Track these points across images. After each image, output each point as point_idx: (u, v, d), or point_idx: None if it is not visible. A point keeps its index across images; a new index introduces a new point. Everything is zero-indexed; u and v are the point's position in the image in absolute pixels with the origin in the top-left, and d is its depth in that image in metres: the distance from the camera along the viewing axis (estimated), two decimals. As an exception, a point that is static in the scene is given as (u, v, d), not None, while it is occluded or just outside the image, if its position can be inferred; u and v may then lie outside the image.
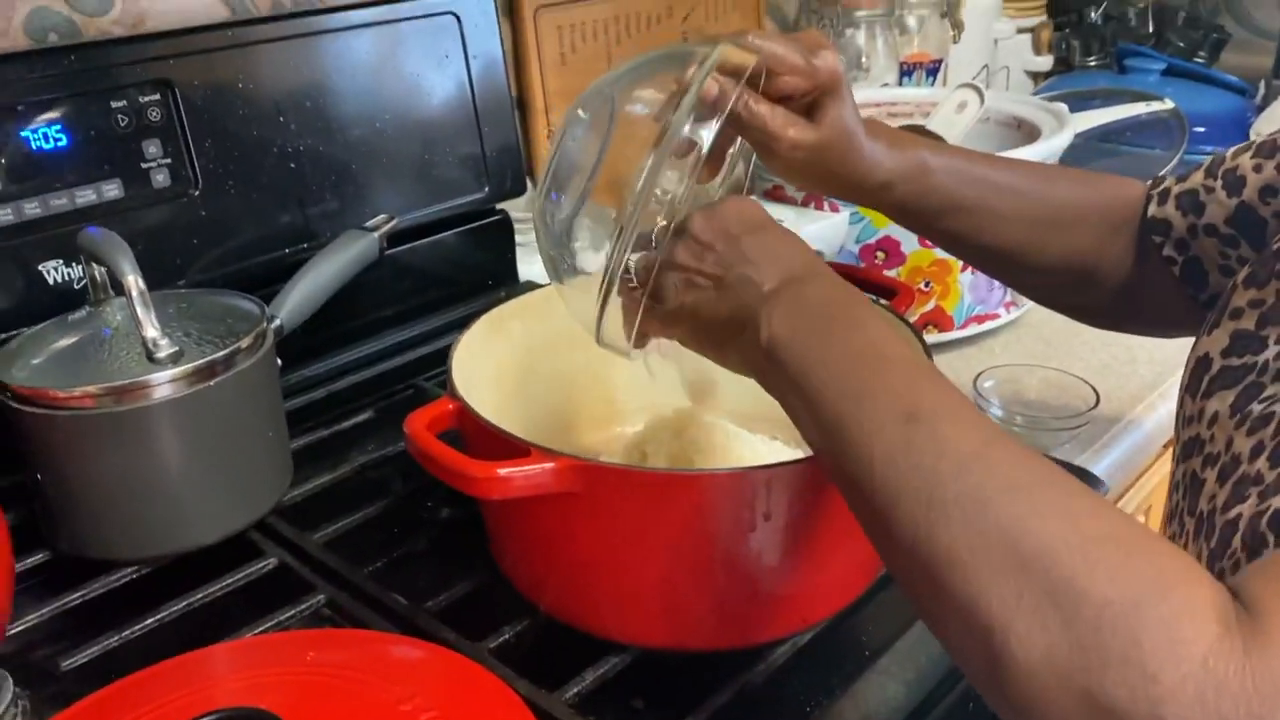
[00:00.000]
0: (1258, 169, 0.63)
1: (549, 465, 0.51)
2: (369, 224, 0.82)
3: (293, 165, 0.85)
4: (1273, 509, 0.44)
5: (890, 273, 0.96)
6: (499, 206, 1.03)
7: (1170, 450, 1.01)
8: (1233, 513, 0.47)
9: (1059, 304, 0.78)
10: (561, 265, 0.58)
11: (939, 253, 0.95)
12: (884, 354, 0.47)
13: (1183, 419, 0.58)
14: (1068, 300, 0.77)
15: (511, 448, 0.53)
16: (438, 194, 0.96)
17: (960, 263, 0.96)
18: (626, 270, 0.54)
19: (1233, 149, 0.66)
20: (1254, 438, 0.50)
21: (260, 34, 0.83)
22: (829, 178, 0.65)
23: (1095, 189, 0.73)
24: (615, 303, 0.54)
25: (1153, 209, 0.69)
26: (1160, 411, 0.91)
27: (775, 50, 0.59)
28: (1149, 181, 0.72)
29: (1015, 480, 0.40)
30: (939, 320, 0.98)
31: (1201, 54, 1.63)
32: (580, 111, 0.59)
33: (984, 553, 0.39)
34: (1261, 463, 0.48)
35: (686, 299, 0.53)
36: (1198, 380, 0.57)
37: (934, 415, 0.43)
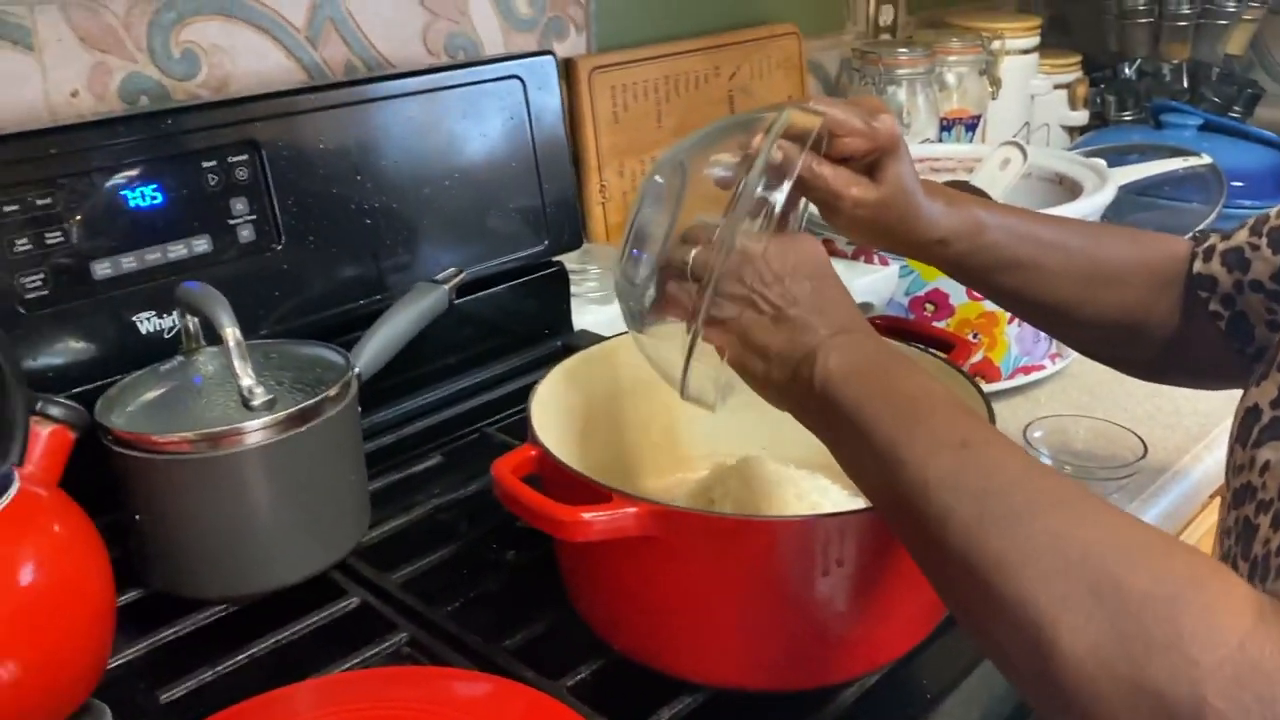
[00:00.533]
0: None
1: (630, 510, 0.54)
2: (439, 277, 0.86)
3: (368, 221, 0.89)
4: None
5: (939, 324, 0.98)
6: (556, 259, 1.07)
7: (1215, 500, 1.03)
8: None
9: (1107, 357, 0.81)
10: (644, 320, 0.61)
11: (987, 305, 0.98)
12: (934, 394, 0.51)
13: (1233, 467, 0.60)
14: (1115, 354, 0.80)
15: (593, 492, 0.56)
16: (500, 247, 1.00)
17: (1007, 315, 0.98)
18: (690, 265, 0.56)
19: (1276, 209, 0.69)
20: None
21: (337, 98, 0.87)
22: (888, 234, 0.68)
23: (1142, 246, 0.76)
24: (699, 358, 0.57)
25: (1198, 265, 0.72)
26: (1206, 462, 0.93)
27: (837, 114, 0.63)
28: (1192, 238, 0.75)
29: (1060, 497, 0.44)
30: (986, 371, 1.00)
31: (1237, 109, 1.66)
32: (657, 178, 0.62)
33: (1033, 556, 0.42)
34: None
35: (742, 317, 0.56)
36: (1247, 430, 0.59)
37: (984, 443, 0.47)
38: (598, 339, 0.99)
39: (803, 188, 0.64)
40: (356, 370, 0.76)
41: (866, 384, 0.51)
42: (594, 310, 1.13)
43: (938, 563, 0.47)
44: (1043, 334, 1.01)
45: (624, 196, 1.28)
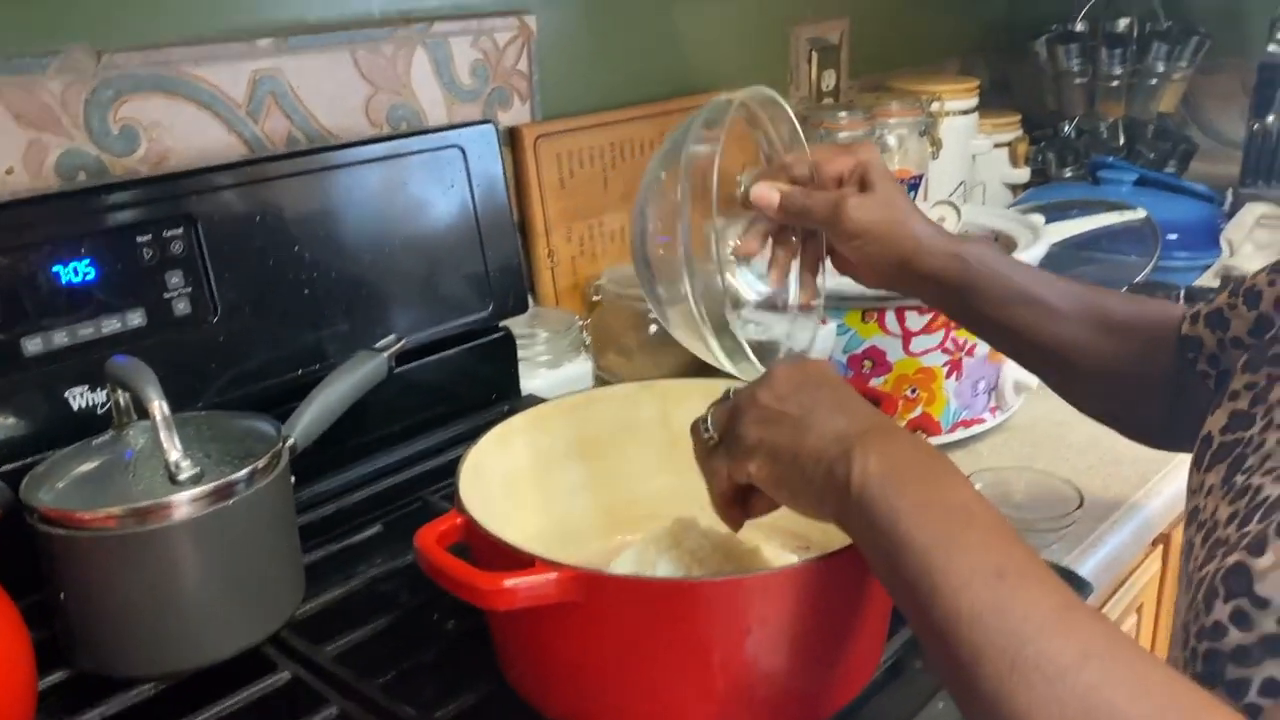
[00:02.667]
0: (1272, 283, 0.67)
1: (552, 576, 0.54)
2: (379, 345, 0.86)
3: (306, 291, 0.90)
4: (1227, 566, 0.49)
5: (877, 380, 1.00)
6: (501, 324, 1.07)
7: (1157, 549, 1.04)
8: (1204, 571, 0.52)
9: (1113, 417, 0.82)
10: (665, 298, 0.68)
11: (924, 360, 0.99)
12: (972, 510, 0.49)
13: (1189, 491, 0.63)
14: (1125, 415, 0.80)
15: (516, 559, 0.56)
16: (443, 314, 1.01)
17: (945, 369, 1.00)
18: (706, 424, 0.60)
19: (1254, 272, 0.70)
20: (1232, 506, 0.54)
21: (276, 170, 0.88)
22: (898, 258, 0.74)
23: (1141, 304, 0.78)
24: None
25: (1186, 328, 0.73)
26: (1145, 511, 0.94)
27: (808, 155, 0.73)
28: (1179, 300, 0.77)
29: (1092, 647, 0.43)
30: (926, 425, 1.01)
31: (1172, 164, 1.71)
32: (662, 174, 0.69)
33: (1060, 718, 0.42)
34: (1232, 528, 0.53)
35: (766, 435, 0.56)
36: (1201, 455, 0.62)
37: (1020, 575, 0.46)
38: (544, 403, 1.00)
39: (804, 217, 0.72)
40: (290, 441, 0.76)
41: (904, 493, 0.50)
42: (543, 374, 1.13)
43: (968, 700, 0.46)
44: (981, 387, 1.03)
45: (572, 260, 1.29)
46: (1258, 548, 0.49)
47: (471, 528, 0.60)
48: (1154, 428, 0.80)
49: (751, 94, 0.74)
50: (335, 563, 0.82)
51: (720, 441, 0.59)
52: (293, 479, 0.75)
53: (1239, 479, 0.56)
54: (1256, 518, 0.52)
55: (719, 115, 0.70)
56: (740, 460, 0.57)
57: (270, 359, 0.88)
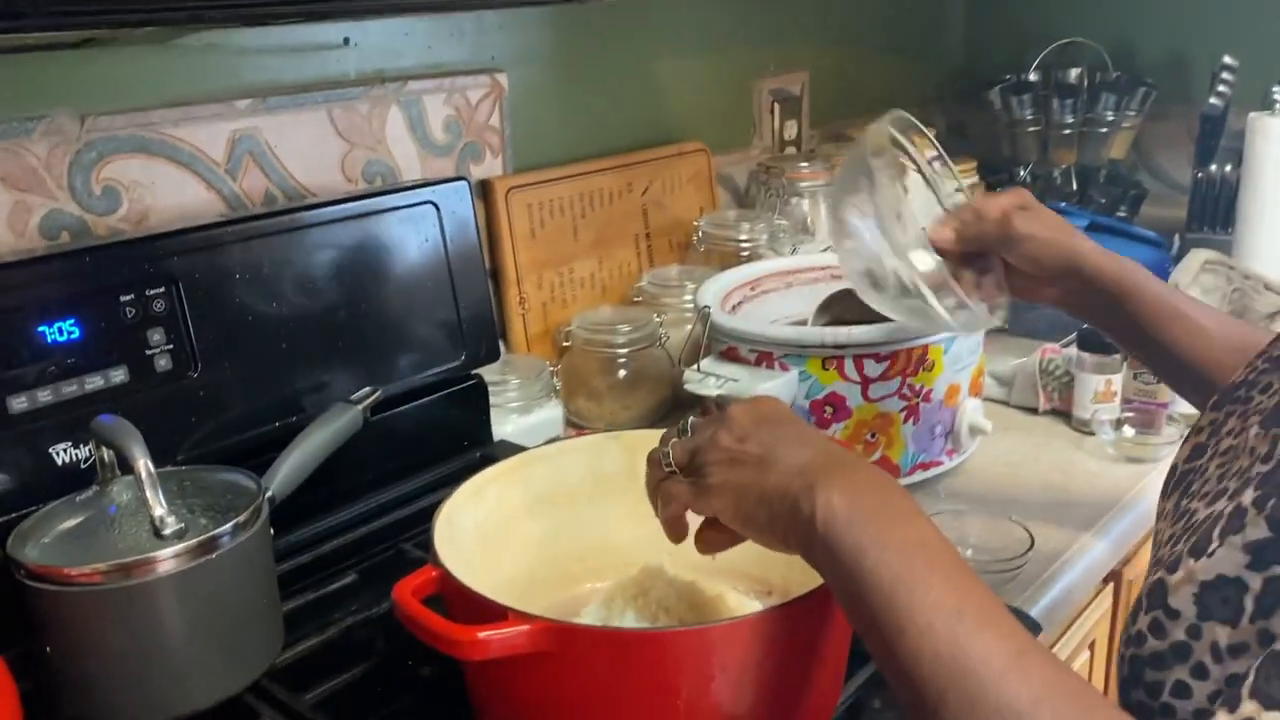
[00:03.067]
0: None
1: (524, 628, 0.57)
2: (354, 397, 0.89)
3: (284, 345, 0.92)
4: (1151, 581, 0.55)
5: (837, 425, 1.03)
6: (474, 372, 1.10)
7: (1107, 587, 1.08)
8: (1144, 586, 0.56)
9: None
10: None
11: (882, 406, 1.03)
12: (933, 548, 0.52)
13: (1157, 518, 0.68)
14: None
15: (490, 611, 0.59)
16: (418, 364, 1.04)
17: (902, 414, 1.04)
18: (666, 457, 0.63)
19: None
20: (1173, 528, 0.60)
21: (255, 229, 0.91)
22: (1065, 263, 0.82)
23: (1262, 331, 0.81)
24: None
25: None
26: (1094, 551, 0.98)
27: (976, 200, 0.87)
28: None
29: (1043, 693, 0.46)
30: (886, 469, 1.05)
31: (1123, 209, 1.77)
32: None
33: None
34: (1167, 548, 0.58)
35: (730, 475, 0.59)
36: (1166, 484, 0.67)
37: (979, 617, 0.49)
38: (518, 449, 1.03)
39: (979, 240, 0.84)
40: (269, 493, 0.78)
41: (867, 529, 0.52)
42: (514, 419, 1.16)
43: None
44: (939, 430, 1.07)
45: (543, 307, 1.33)
46: (1174, 565, 0.54)
47: (446, 580, 0.63)
48: None
49: (894, 119, 0.90)
50: (313, 611, 0.84)
51: (679, 472, 0.62)
52: (271, 530, 0.78)
53: (1184, 503, 0.61)
54: (1185, 538, 0.57)
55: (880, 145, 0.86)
56: (705, 498, 0.60)
57: (249, 412, 0.90)
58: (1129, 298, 0.80)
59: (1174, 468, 0.67)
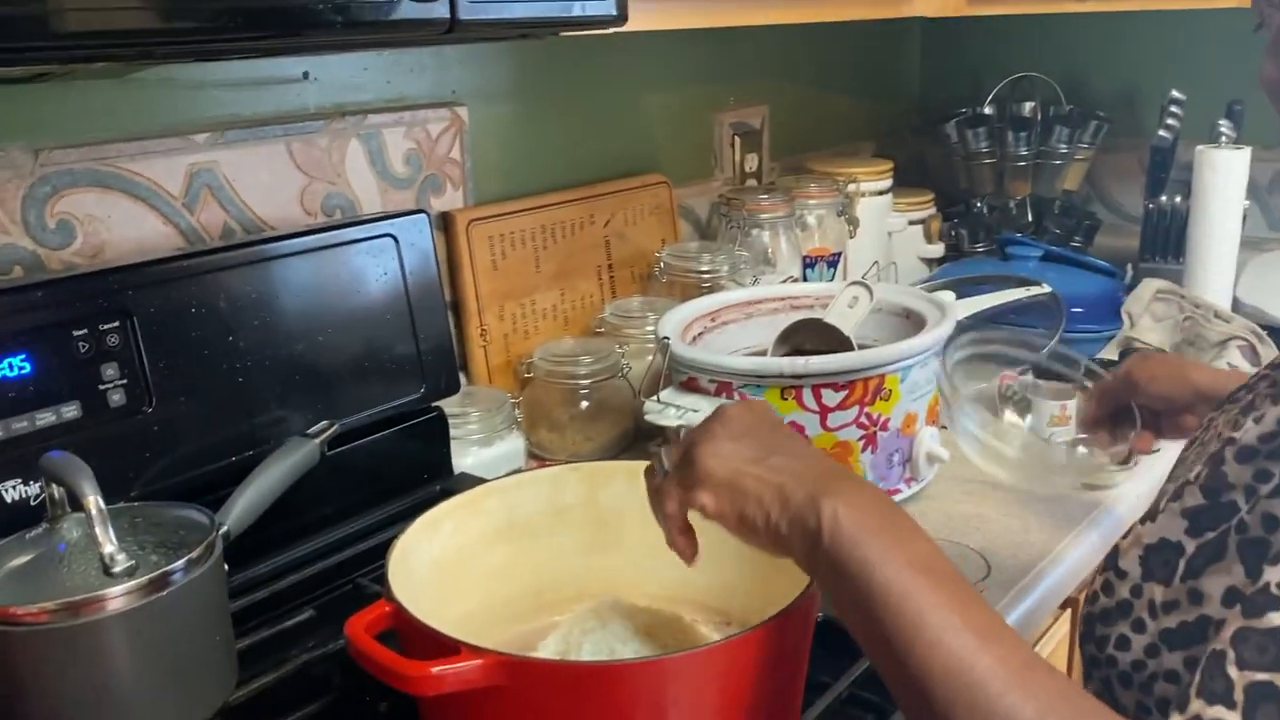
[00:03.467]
0: None
1: (477, 662, 0.57)
2: (311, 430, 0.88)
3: (241, 379, 0.92)
4: (1110, 549, 0.64)
5: (798, 456, 1.04)
6: (434, 404, 1.10)
7: (1066, 612, 1.09)
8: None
9: None
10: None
11: (840, 435, 1.04)
12: (934, 564, 0.53)
13: None
14: None
15: (443, 645, 0.58)
16: (377, 397, 1.03)
17: (861, 443, 1.05)
18: (660, 459, 0.63)
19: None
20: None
21: (212, 263, 0.91)
22: (1183, 386, 0.90)
23: None
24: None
25: None
26: (1051, 577, 0.99)
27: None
28: None
29: (1048, 705, 0.48)
30: (845, 498, 1.06)
31: (1077, 239, 1.80)
32: None
33: None
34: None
35: (725, 473, 0.59)
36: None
37: (984, 632, 0.50)
38: (479, 481, 1.03)
39: (1108, 392, 0.97)
40: (224, 529, 0.78)
41: (872, 544, 0.53)
42: (475, 452, 1.16)
43: None
44: (896, 459, 1.07)
45: (505, 339, 1.33)
46: (1128, 533, 0.61)
47: (399, 615, 0.62)
48: None
49: None
50: (269, 647, 0.83)
51: (672, 473, 0.62)
52: (225, 566, 0.77)
53: (1165, 485, 0.67)
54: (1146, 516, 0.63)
55: None
56: (696, 492, 0.60)
57: (204, 446, 0.90)
58: None
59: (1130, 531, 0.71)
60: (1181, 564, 0.57)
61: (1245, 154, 1.51)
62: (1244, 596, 0.52)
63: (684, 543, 0.65)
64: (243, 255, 0.93)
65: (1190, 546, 0.57)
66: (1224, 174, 1.51)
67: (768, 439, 0.60)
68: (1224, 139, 1.52)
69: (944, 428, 1.11)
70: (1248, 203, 1.55)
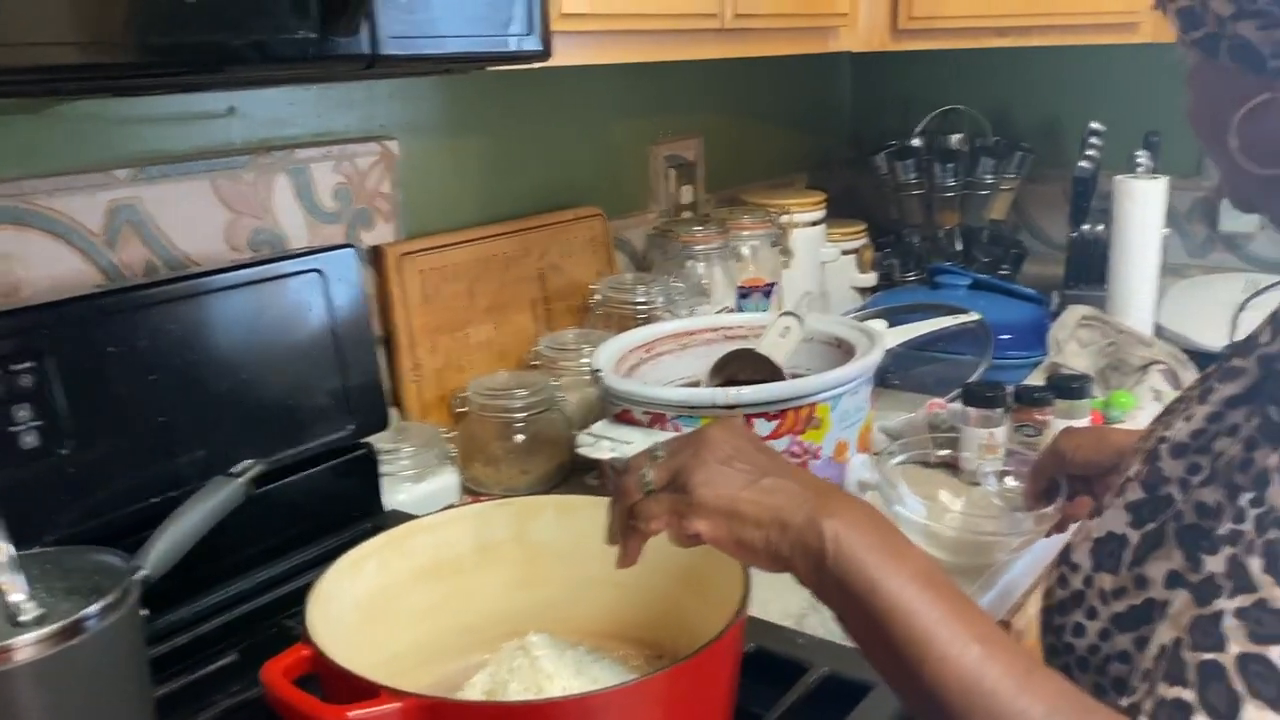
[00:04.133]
0: None
1: (396, 705, 0.56)
2: (235, 469, 0.86)
3: (163, 419, 0.90)
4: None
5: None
6: (363, 441, 1.09)
7: (1036, 592, 1.10)
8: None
9: None
10: None
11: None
12: (934, 578, 0.55)
13: None
14: None
15: (362, 689, 0.57)
16: (304, 434, 1.02)
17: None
18: (644, 478, 0.62)
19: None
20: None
21: (132, 300, 0.89)
22: (1109, 449, 0.90)
23: None
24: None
25: None
26: (982, 601, 1.00)
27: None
28: None
29: (1054, 704, 0.52)
30: (778, 528, 1.06)
31: (1005, 267, 1.84)
32: None
33: None
34: None
35: (720, 496, 0.59)
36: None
37: (988, 641, 0.53)
38: (410, 518, 1.01)
39: (1039, 469, 0.98)
40: (143, 573, 0.76)
41: (876, 562, 0.55)
42: (408, 488, 1.15)
43: None
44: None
45: (438, 373, 1.32)
46: (1079, 530, 0.67)
47: (318, 658, 0.61)
48: None
49: None
50: (190, 694, 0.81)
51: (660, 491, 0.61)
52: (145, 611, 0.75)
53: None
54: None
55: None
56: (691, 517, 0.60)
57: (125, 488, 0.87)
58: None
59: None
60: (1127, 554, 0.62)
61: (1162, 183, 1.56)
62: (1189, 584, 0.55)
63: (636, 550, 0.64)
64: (164, 293, 0.91)
65: (1134, 537, 0.62)
66: (1142, 203, 1.55)
67: (754, 460, 0.61)
68: (1141, 169, 1.57)
69: (877, 454, 1.13)
70: (1167, 230, 1.59)
